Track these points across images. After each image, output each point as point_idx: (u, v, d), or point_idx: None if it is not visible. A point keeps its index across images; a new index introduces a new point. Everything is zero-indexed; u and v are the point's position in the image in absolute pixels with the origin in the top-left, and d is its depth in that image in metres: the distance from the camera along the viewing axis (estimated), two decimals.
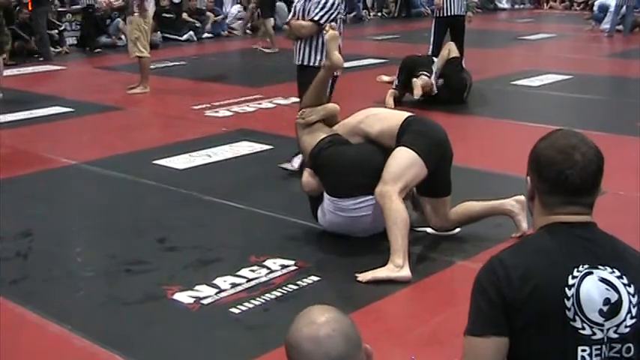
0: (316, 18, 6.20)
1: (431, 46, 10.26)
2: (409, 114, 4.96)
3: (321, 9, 6.21)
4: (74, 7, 16.62)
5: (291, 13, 6.49)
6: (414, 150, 4.60)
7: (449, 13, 10.08)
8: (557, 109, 9.40)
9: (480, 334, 2.00)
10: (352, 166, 4.83)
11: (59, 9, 16.33)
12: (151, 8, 10.30)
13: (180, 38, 16.06)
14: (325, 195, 4.91)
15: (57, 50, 14.95)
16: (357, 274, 4.36)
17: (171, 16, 16.50)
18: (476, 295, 2.04)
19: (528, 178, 2.14)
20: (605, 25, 16.62)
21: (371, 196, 4.68)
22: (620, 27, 16.49)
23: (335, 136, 5.01)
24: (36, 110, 9.36)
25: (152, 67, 11.38)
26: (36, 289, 4.43)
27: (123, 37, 15.10)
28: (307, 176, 5.00)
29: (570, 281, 1.96)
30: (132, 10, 10.29)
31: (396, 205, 4.43)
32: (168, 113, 9.57)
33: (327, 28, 5.51)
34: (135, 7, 10.18)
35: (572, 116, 8.70)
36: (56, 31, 15.30)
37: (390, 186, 4.49)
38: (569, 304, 1.95)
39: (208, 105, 9.40)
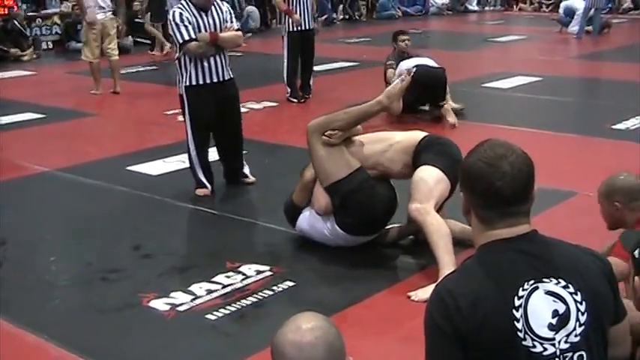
0: (237, 27, 6.33)
1: (285, 64, 9.83)
2: (424, 134, 4.93)
3: (234, 17, 6.38)
4: (44, 11, 16.53)
5: (192, 29, 6.00)
6: (437, 167, 4.64)
7: (302, 28, 9.74)
8: (527, 111, 9.49)
9: None
10: (383, 216, 4.87)
11: (29, 13, 16.21)
12: (92, 16, 10.32)
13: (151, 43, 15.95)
14: (329, 218, 4.84)
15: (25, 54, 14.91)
16: (409, 294, 4.25)
17: (143, 21, 16.42)
18: (429, 329, 2.02)
19: (462, 193, 2.14)
20: (574, 27, 16.69)
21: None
22: (590, 28, 16.61)
23: (367, 175, 4.82)
24: (6, 117, 9.29)
25: (123, 71, 11.38)
26: (11, 298, 4.41)
27: None
28: (328, 201, 4.79)
29: (517, 302, 1.96)
30: (83, 15, 10.61)
31: (438, 221, 4.45)
32: (141, 119, 9.55)
33: (407, 74, 5.13)
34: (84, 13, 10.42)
35: (542, 118, 8.79)
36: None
37: (425, 203, 4.51)
38: (519, 325, 1.95)
39: (180, 110, 9.33)
